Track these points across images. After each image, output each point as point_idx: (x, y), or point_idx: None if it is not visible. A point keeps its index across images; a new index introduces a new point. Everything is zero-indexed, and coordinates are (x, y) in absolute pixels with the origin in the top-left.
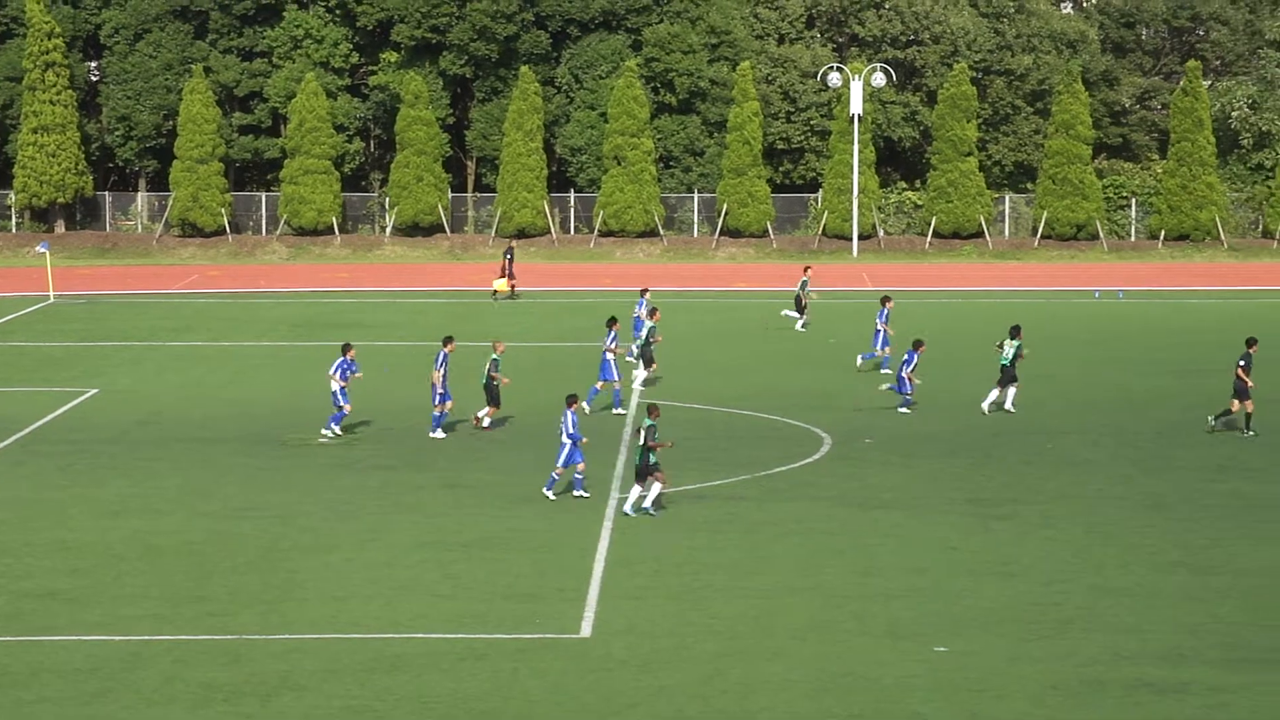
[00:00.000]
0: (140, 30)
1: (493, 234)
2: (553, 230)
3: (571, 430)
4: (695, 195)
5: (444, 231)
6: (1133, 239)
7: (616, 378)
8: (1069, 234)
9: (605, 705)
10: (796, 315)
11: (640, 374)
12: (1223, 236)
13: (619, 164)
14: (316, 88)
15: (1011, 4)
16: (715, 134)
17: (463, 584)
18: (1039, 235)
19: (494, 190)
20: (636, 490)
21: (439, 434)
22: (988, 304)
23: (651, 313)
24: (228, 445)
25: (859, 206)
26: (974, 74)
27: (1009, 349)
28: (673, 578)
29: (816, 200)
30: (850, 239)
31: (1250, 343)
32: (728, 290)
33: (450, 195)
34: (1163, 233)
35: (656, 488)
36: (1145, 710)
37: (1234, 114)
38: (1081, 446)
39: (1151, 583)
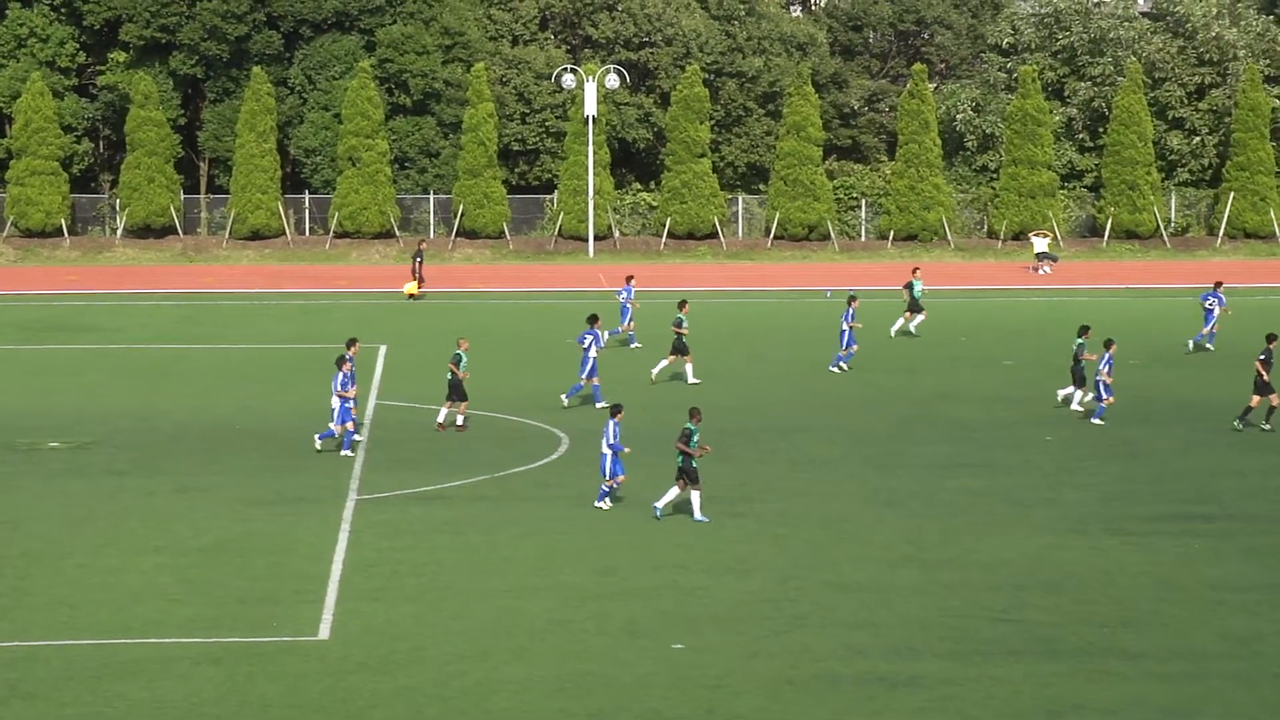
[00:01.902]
0: None
1: (227, 236)
2: (287, 232)
3: (612, 440)
4: (431, 196)
5: (176, 233)
6: (863, 239)
7: (591, 375)
8: (801, 234)
9: (343, 708)
10: (910, 316)
11: (688, 365)
12: (949, 236)
13: (354, 165)
14: (42, 87)
15: (742, 7)
16: (450, 135)
17: (198, 588)
18: (772, 236)
19: (227, 191)
20: (674, 491)
21: (357, 440)
22: (722, 304)
23: (681, 304)
24: None
25: (594, 207)
26: (706, 76)
27: (1075, 348)
28: (411, 579)
29: (552, 201)
30: (586, 240)
31: (1270, 338)
32: (465, 291)
33: (183, 197)
34: (892, 233)
35: (695, 494)
36: (877, 703)
37: (959, 116)
38: (815, 444)
39: (883, 578)
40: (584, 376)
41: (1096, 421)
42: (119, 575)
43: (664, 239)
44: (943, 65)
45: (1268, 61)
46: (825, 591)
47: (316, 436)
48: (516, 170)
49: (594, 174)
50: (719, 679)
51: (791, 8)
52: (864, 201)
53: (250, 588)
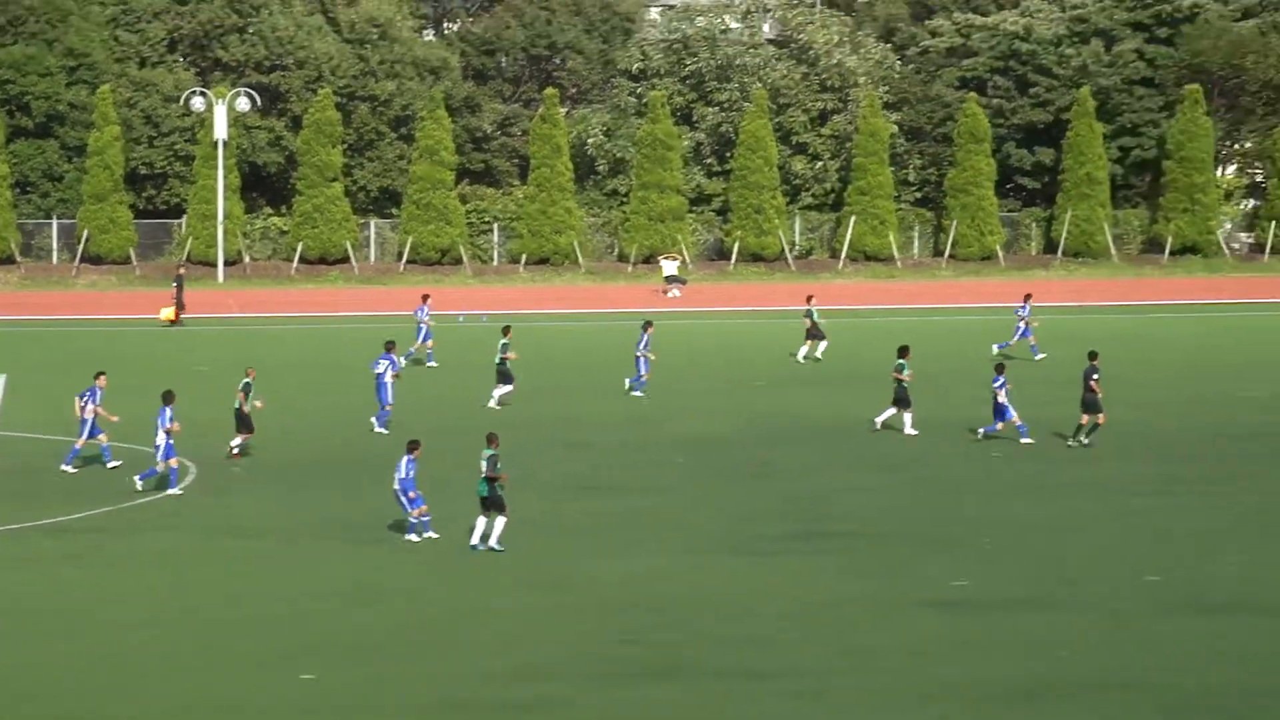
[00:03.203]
0: None
1: None
2: None
3: (404, 477)
4: (54, 221)
5: None
6: (496, 263)
7: (390, 400)
8: (434, 258)
9: None
10: (815, 343)
11: (498, 392)
12: (581, 260)
13: None
14: None
15: (374, 30)
16: (75, 159)
17: None
18: (404, 260)
19: None
20: (482, 522)
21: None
22: (356, 329)
23: (505, 330)
24: None
25: (224, 232)
26: (338, 99)
27: (894, 367)
28: (31, 614)
29: (181, 226)
30: (216, 265)
31: (1093, 355)
32: (90, 319)
33: None
34: (524, 256)
35: (500, 522)
36: None
37: (590, 141)
38: (445, 468)
39: (514, 601)
40: (387, 402)
41: (1026, 441)
42: None
43: (295, 264)
44: (574, 90)
45: (886, 88)
46: (456, 616)
47: (137, 477)
48: (144, 194)
49: (224, 198)
50: (349, 709)
51: (424, 32)
52: (496, 225)
53: None
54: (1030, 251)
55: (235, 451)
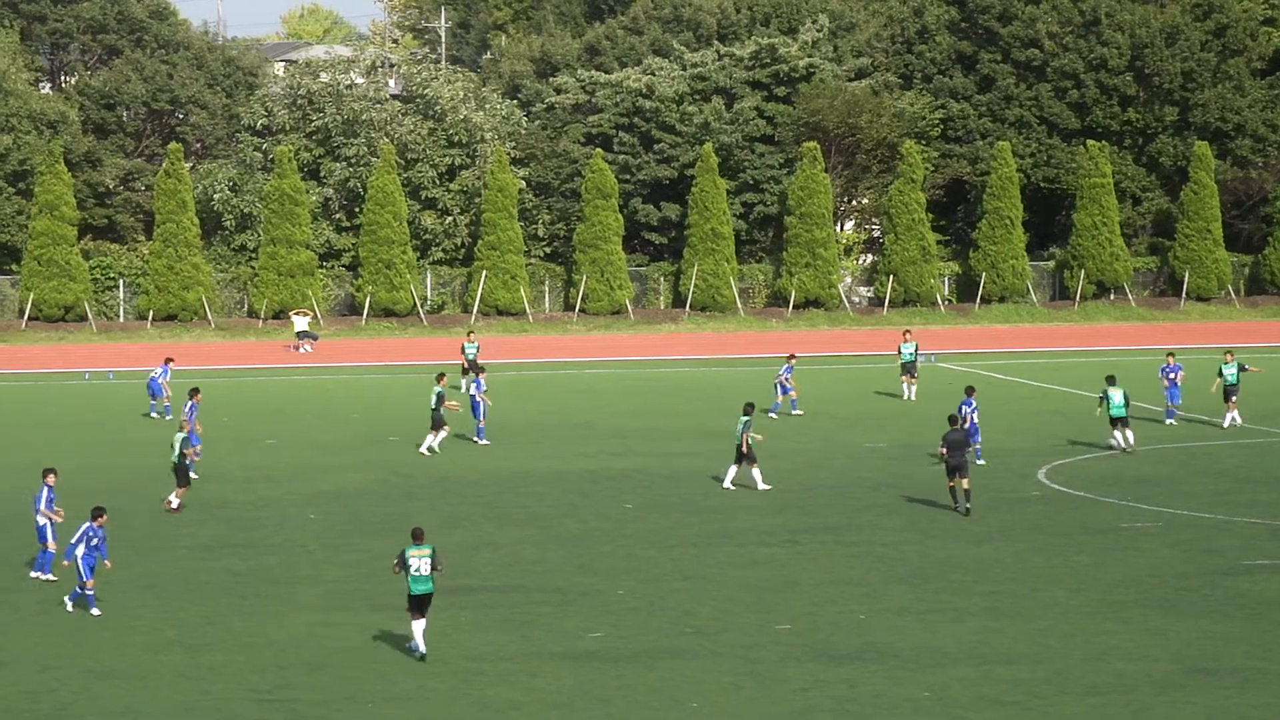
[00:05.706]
0: None
1: None
2: None
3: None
4: None
5: None
6: (122, 320)
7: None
8: (57, 315)
9: None
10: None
11: (434, 438)
12: (210, 316)
13: None
14: None
15: None
16: None
17: None
18: (26, 317)
19: None
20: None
21: None
22: None
23: (439, 377)
24: None
25: None
26: None
27: (740, 425)
28: None
29: None
30: None
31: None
32: None
33: None
34: (151, 313)
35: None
36: None
37: (216, 196)
38: (72, 533)
39: (146, 664)
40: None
41: (980, 462)
42: None
43: None
44: (199, 144)
45: (514, 144)
46: (87, 679)
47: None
48: None
49: None
50: None
51: (40, 85)
52: (122, 281)
53: None
54: (659, 305)
55: (176, 506)
